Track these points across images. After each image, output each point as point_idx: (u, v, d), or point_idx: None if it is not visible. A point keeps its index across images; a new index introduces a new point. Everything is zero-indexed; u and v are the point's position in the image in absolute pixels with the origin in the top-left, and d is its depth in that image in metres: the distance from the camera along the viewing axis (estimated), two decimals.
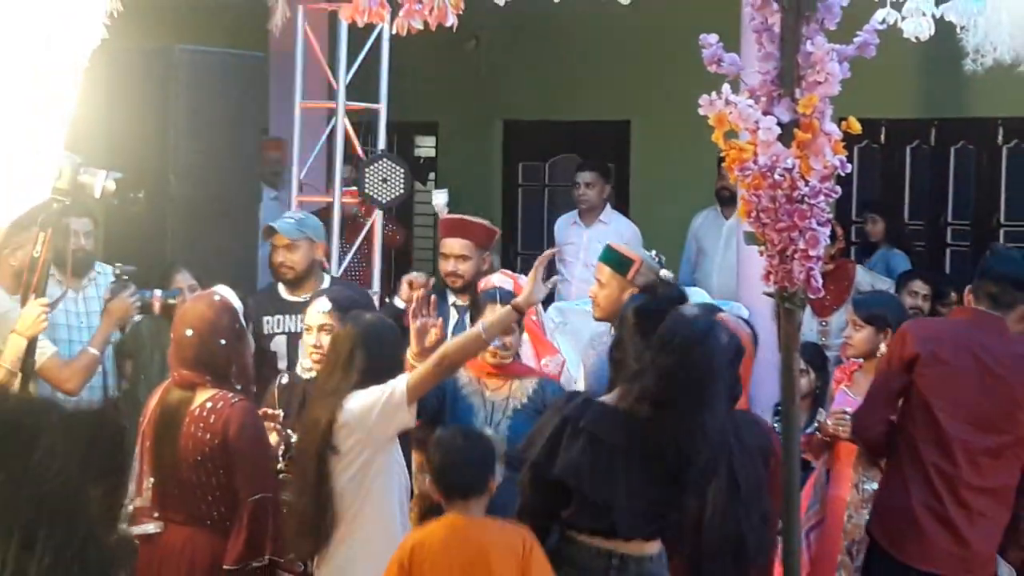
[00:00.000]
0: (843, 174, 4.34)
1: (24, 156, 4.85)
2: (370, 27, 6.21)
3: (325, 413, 4.92)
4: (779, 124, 4.23)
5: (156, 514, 5.17)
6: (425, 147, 12.69)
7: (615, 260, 5.87)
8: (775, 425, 5.77)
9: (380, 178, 8.37)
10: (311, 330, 5.64)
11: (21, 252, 5.68)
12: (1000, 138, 10.16)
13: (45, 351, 5.94)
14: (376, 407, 4.89)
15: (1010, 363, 5.29)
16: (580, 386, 5.87)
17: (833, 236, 5.58)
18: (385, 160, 8.41)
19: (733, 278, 7.87)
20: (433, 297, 5.65)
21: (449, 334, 5.92)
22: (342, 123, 8.44)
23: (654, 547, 4.68)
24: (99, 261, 6.67)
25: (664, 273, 5.96)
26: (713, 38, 4.39)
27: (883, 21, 4.53)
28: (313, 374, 5.59)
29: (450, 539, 4.61)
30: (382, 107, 8.55)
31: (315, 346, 5.57)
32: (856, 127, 4.27)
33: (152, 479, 5.18)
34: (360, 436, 4.89)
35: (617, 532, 4.59)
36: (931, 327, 5.61)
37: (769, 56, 4.34)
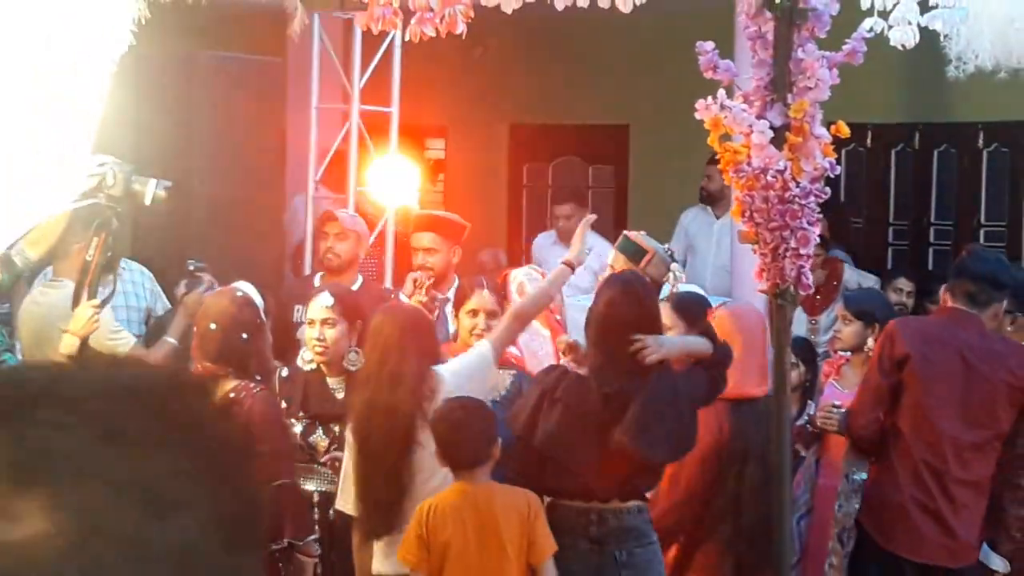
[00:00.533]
0: (832, 176, 4.32)
1: (51, 156, 4.83)
2: (383, 34, 6.20)
3: (405, 398, 4.88)
4: (772, 128, 4.21)
5: None
6: (435, 149, 12.66)
7: (631, 249, 5.87)
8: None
9: (392, 179, 8.35)
10: (314, 323, 5.60)
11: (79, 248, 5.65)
12: (981, 142, 10.13)
13: (128, 342, 6.03)
14: (472, 373, 4.98)
15: (991, 360, 5.26)
16: None
17: (822, 236, 5.57)
18: (397, 161, 8.39)
19: (727, 277, 7.84)
20: (435, 293, 5.68)
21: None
22: (356, 125, 8.42)
23: (632, 502, 4.79)
24: (123, 257, 6.65)
25: (675, 266, 6.00)
26: (709, 46, 4.37)
27: (870, 30, 4.51)
28: (314, 366, 5.58)
29: (461, 505, 4.66)
30: (394, 110, 8.53)
31: (318, 339, 5.53)
32: (845, 131, 4.25)
33: None
34: None
35: (593, 495, 4.71)
36: (919, 327, 5.56)
37: (762, 63, 4.33)
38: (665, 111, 9.23)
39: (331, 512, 5.36)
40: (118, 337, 6.03)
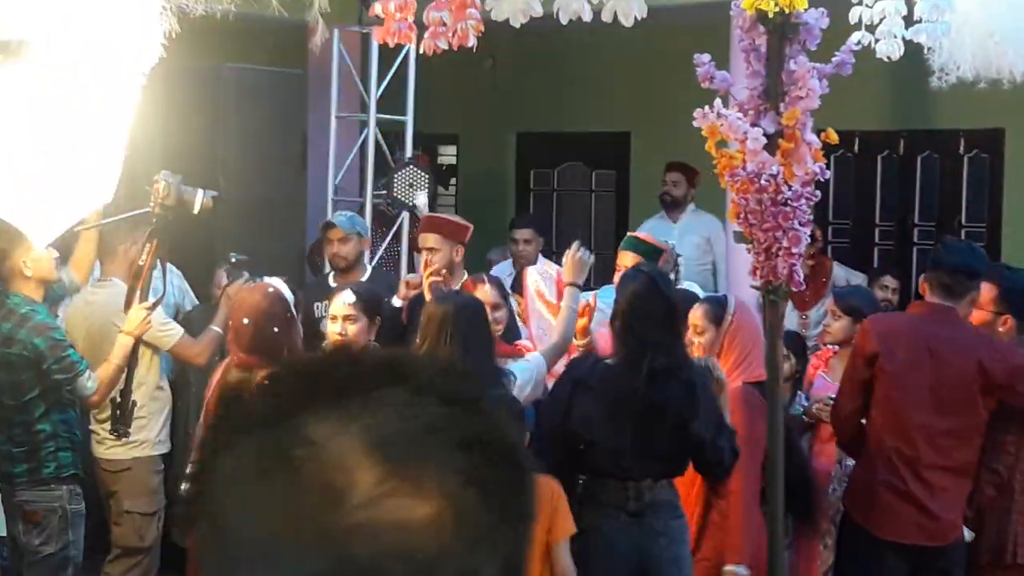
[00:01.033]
0: (822, 180, 4.33)
1: (86, 164, 4.85)
2: (399, 47, 6.20)
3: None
4: (765, 135, 4.22)
5: None
6: (447, 155, 12.67)
7: (647, 250, 5.95)
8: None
9: (407, 183, 8.36)
10: (336, 319, 5.61)
11: (135, 248, 5.68)
12: (962, 148, 10.12)
13: (176, 333, 6.08)
14: (534, 378, 5.14)
15: (960, 351, 5.23)
16: None
17: (812, 237, 5.56)
18: (411, 167, 8.40)
19: (697, 276, 7.82)
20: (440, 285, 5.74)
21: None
22: (373, 133, 8.43)
23: (663, 480, 4.90)
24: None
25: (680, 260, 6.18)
26: (706, 58, 4.38)
27: (858, 43, 4.51)
28: None
29: None
30: (409, 119, 8.55)
31: (340, 334, 5.54)
32: (834, 138, 4.25)
33: None
34: None
35: (630, 475, 4.81)
36: (889, 323, 5.53)
37: (756, 74, 4.33)
38: (665, 119, 9.22)
39: None
40: (167, 329, 6.07)
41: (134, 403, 5.64)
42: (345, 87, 8.63)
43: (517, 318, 6.22)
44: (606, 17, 4.52)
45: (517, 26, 4.68)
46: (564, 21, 4.61)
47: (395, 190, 8.31)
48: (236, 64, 8.29)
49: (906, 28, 4.62)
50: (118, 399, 5.60)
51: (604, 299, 7.15)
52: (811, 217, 4.30)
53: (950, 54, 5.84)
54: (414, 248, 8.89)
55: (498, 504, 0.97)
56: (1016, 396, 5.21)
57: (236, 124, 7.96)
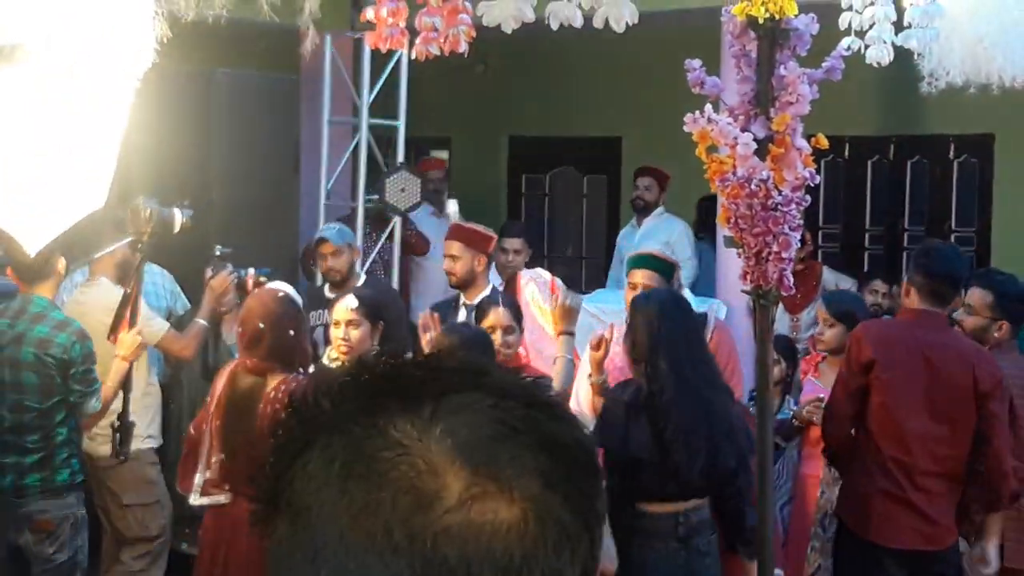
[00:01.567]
0: (812, 185, 4.33)
1: (80, 168, 4.84)
2: (391, 52, 6.19)
3: None
4: (755, 140, 4.21)
5: (226, 487, 5.15)
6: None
7: (662, 267, 5.91)
8: (751, 409, 5.76)
9: (399, 187, 8.36)
10: (339, 324, 5.62)
11: (121, 251, 5.85)
12: (952, 153, 10.14)
13: (161, 328, 6.11)
14: None
15: (955, 360, 5.22)
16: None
17: (802, 241, 5.55)
18: (403, 171, 8.40)
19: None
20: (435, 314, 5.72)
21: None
22: (365, 138, 8.43)
23: (703, 498, 4.96)
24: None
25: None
26: (696, 63, 4.37)
27: (848, 48, 4.51)
28: (339, 364, 5.58)
29: None
30: (401, 124, 8.54)
31: (343, 339, 5.55)
32: (824, 143, 4.25)
33: (222, 455, 5.15)
34: None
35: (682, 495, 4.87)
36: (883, 331, 5.48)
37: (746, 79, 4.33)
38: (655, 124, 9.24)
39: None
40: (152, 323, 6.10)
41: (132, 424, 5.69)
42: (337, 92, 8.63)
43: None
44: (597, 23, 4.52)
45: (509, 32, 4.67)
46: (555, 27, 4.61)
47: (387, 195, 8.31)
48: (229, 69, 8.29)
49: (896, 34, 4.62)
50: (117, 423, 5.65)
51: (596, 303, 7.18)
52: (801, 222, 4.30)
53: (940, 60, 5.86)
54: (406, 251, 8.90)
55: (577, 506, 0.98)
56: (987, 409, 5.19)
57: (229, 129, 7.95)
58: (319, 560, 0.96)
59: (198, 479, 5.12)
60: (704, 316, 5.67)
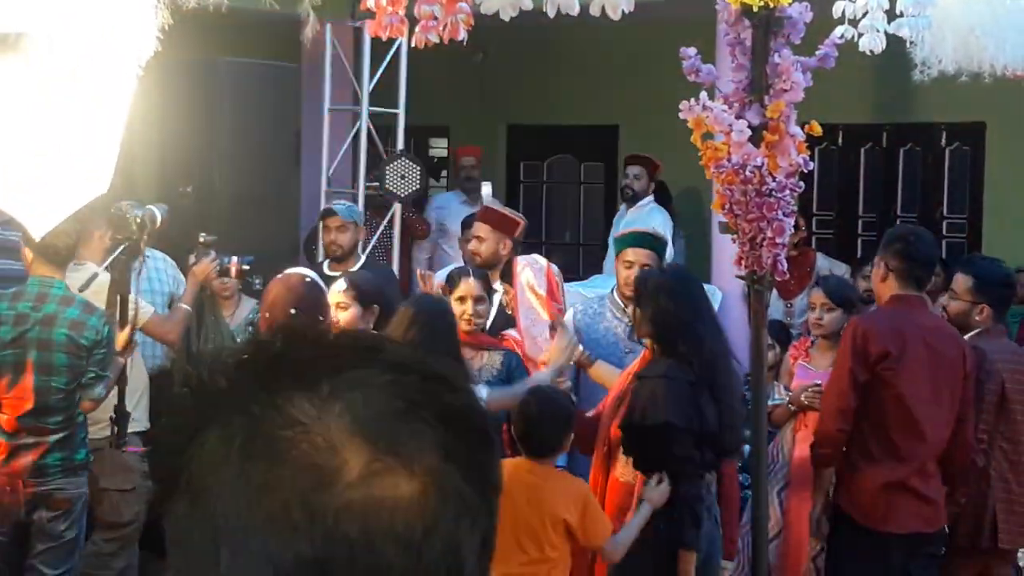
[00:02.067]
0: (805, 171, 4.34)
1: (82, 153, 4.85)
2: (391, 41, 6.20)
3: None
4: (750, 127, 4.22)
5: None
6: (438, 148, 12.67)
7: (657, 245, 5.95)
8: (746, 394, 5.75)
9: (399, 175, 8.37)
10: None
11: (110, 235, 5.85)
12: (943, 141, 10.15)
13: (146, 312, 6.07)
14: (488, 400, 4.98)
15: (949, 339, 5.25)
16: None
17: (796, 227, 5.52)
18: (403, 159, 8.40)
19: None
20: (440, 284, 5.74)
21: (492, 314, 6.03)
22: (365, 126, 8.43)
23: None
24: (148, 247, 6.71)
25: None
26: (692, 51, 4.38)
27: (841, 36, 4.52)
28: None
29: (510, 477, 4.60)
30: (400, 112, 8.54)
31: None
32: (818, 130, 4.27)
33: None
34: None
35: (715, 464, 4.88)
36: (888, 322, 5.31)
37: (741, 67, 4.34)
38: (652, 112, 9.24)
39: None
40: (139, 306, 6.09)
41: (128, 414, 5.78)
42: (338, 80, 8.62)
43: (505, 308, 6.22)
44: (594, 11, 4.52)
45: (507, 20, 4.68)
46: (552, 14, 4.61)
47: (387, 182, 8.31)
48: (229, 57, 8.29)
49: (888, 22, 4.62)
50: (114, 415, 5.72)
51: (592, 287, 7.17)
52: (795, 208, 4.32)
53: (932, 48, 5.85)
54: (405, 237, 8.90)
55: (476, 477, 0.98)
56: (966, 388, 5.22)
57: (230, 117, 7.95)
58: (219, 539, 0.94)
59: None
60: None
